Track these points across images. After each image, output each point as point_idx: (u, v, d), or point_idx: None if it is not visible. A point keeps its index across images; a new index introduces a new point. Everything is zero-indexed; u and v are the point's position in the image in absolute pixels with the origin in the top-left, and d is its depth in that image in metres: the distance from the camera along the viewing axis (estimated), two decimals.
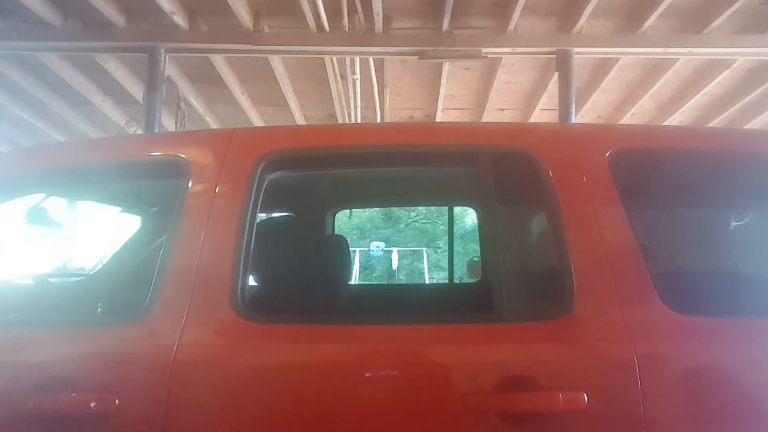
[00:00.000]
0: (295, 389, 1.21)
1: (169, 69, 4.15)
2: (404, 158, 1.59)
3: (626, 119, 5.59)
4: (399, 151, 1.53)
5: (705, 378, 1.19)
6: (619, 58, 4.40)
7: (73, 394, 1.22)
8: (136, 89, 4.82)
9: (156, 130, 3.88)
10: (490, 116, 5.70)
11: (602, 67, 4.74)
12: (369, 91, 4.98)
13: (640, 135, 1.59)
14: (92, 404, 1.20)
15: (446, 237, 5.79)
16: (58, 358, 1.27)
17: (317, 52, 4.12)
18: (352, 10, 3.81)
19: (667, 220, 1.78)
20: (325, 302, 1.86)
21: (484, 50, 4.00)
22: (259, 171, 1.41)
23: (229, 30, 4.01)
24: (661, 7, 3.63)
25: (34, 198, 2.20)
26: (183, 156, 1.47)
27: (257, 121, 5.81)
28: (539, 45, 4.04)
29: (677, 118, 5.62)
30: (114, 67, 4.52)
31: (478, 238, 3.36)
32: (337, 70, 4.67)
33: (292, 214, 2.76)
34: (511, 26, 3.90)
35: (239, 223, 1.35)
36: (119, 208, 2.63)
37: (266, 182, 1.46)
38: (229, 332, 1.28)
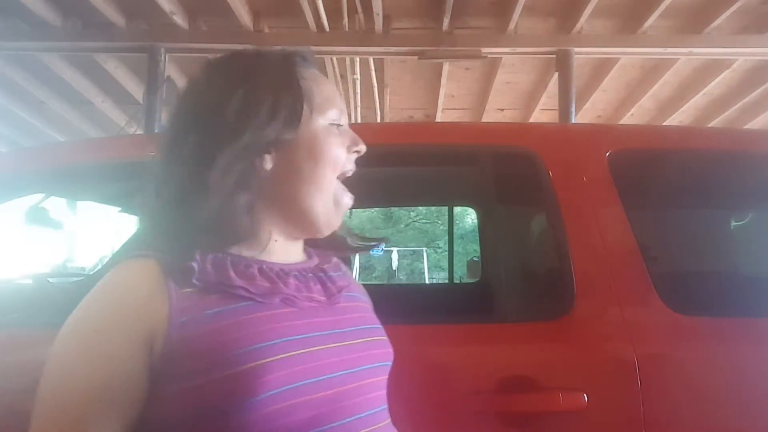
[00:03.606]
0: None
1: (169, 69, 4.15)
2: (404, 158, 1.58)
3: (626, 119, 5.59)
4: (399, 151, 1.53)
5: (705, 378, 1.19)
6: (619, 58, 4.40)
7: None
8: (136, 89, 4.82)
9: (156, 131, 3.88)
10: (490, 116, 5.69)
11: (602, 67, 4.74)
12: (369, 91, 4.98)
13: (640, 135, 1.59)
14: None
15: (446, 237, 5.78)
16: None
17: (317, 52, 4.08)
18: (352, 10, 3.81)
19: (667, 220, 1.78)
20: None
21: (484, 50, 4.00)
22: None
23: (229, 30, 4.01)
24: (661, 7, 3.63)
25: (34, 198, 2.20)
26: None
27: None
28: (539, 45, 4.04)
29: (677, 118, 5.62)
30: (114, 67, 4.52)
31: (478, 238, 3.36)
32: (337, 70, 4.67)
33: None
34: (511, 26, 3.90)
35: None
36: (119, 208, 2.63)
37: None
38: None
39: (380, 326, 0.81)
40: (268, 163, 0.70)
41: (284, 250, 0.74)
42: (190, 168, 0.67)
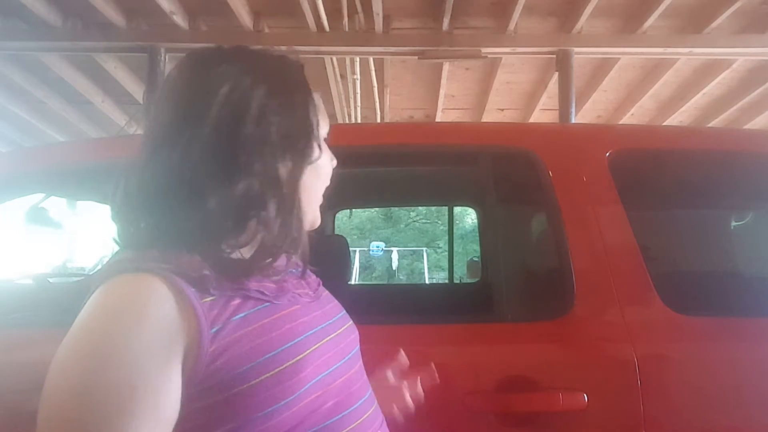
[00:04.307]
0: None
1: (169, 69, 4.15)
2: (404, 158, 1.59)
3: (626, 119, 5.59)
4: (399, 151, 1.53)
5: (705, 378, 1.19)
6: (619, 58, 4.39)
7: None
8: (136, 89, 4.82)
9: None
10: (490, 116, 5.69)
11: (602, 67, 4.74)
12: (369, 91, 4.98)
13: (640, 135, 1.59)
14: None
15: (446, 237, 5.78)
16: None
17: (317, 52, 4.12)
18: (352, 10, 3.81)
19: (667, 220, 1.78)
20: None
21: (484, 50, 4.00)
22: None
23: (229, 30, 4.01)
24: (661, 7, 3.62)
25: (34, 198, 2.20)
26: None
27: None
28: (539, 45, 4.04)
29: (677, 118, 5.62)
30: (114, 67, 4.52)
31: (478, 238, 3.36)
32: (337, 70, 4.67)
33: None
34: (511, 26, 3.90)
35: None
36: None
37: None
38: None
39: (345, 312, 0.84)
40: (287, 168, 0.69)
41: None
42: (209, 168, 0.63)
